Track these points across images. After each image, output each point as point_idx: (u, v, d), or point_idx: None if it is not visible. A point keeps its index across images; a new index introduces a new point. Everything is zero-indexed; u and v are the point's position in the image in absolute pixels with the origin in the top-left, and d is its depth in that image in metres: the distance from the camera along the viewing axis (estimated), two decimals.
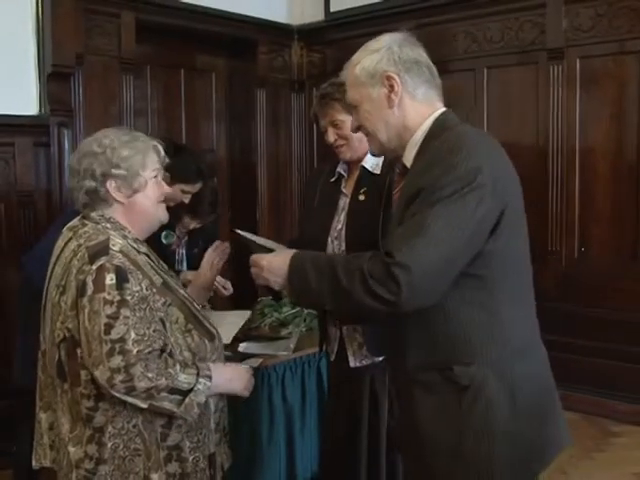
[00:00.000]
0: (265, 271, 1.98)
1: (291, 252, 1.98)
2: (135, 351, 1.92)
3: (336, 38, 6.10)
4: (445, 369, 1.87)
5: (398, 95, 1.96)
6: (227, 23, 5.79)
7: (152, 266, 2.14)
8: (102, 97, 4.92)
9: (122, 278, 1.97)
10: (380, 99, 1.97)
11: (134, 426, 2.04)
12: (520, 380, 1.88)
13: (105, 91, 4.95)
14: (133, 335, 1.94)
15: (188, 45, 5.93)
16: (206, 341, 2.14)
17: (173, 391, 1.98)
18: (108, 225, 2.11)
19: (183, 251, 4.21)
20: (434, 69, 2.04)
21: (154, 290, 2.05)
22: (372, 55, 1.98)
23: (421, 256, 1.73)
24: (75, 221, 2.19)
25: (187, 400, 2.00)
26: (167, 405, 1.99)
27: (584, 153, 4.98)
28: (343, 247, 2.72)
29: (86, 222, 2.14)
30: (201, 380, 2.03)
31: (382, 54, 1.97)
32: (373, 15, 5.79)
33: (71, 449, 2.05)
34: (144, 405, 1.97)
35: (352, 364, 2.74)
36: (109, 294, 1.94)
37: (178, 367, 2.00)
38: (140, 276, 2.02)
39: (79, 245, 2.05)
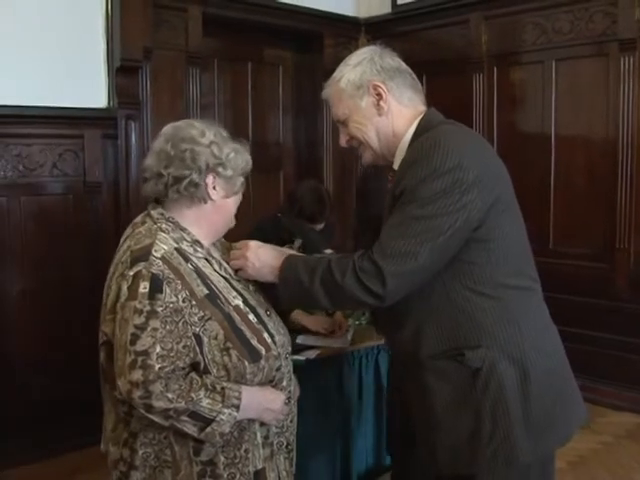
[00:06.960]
0: (253, 258, 2.08)
1: (281, 251, 2.11)
2: (157, 367, 1.80)
3: (403, 31, 6.05)
4: (457, 355, 1.95)
5: (387, 102, 2.07)
6: (294, 16, 5.82)
7: (204, 273, 1.97)
8: (169, 90, 5.00)
9: (156, 287, 1.84)
10: (369, 108, 2.08)
11: (165, 437, 1.93)
12: (532, 359, 1.94)
13: (172, 84, 5.03)
14: (158, 349, 1.81)
15: (255, 38, 5.98)
16: (246, 363, 1.92)
17: (194, 416, 1.85)
18: (164, 225, 1.98)
19: None
20: (414, 75, 2.15)
21: (193, 302, 1.89)
22: (355, 68, 2.09)
23: (404, 256, 1.85)
24: (139, 217, 2.07)
25: (209, 429, 1.86)
26: (188, 429, 1.86)
27: None
28: None
29: (146, 220, 2.02)
30: (225, 410, 1.88)
31: (365, 66, 2.08)
32: (440, 7, 5.73)
33: (111, 448, 2.01)
34: (165, 424, 1.86)
35: None
36: (140, 303, 1.83)
37: (203, 392, 1.85)
38: (179, 286, 1.88)
39: (129, 247, 1.95)
